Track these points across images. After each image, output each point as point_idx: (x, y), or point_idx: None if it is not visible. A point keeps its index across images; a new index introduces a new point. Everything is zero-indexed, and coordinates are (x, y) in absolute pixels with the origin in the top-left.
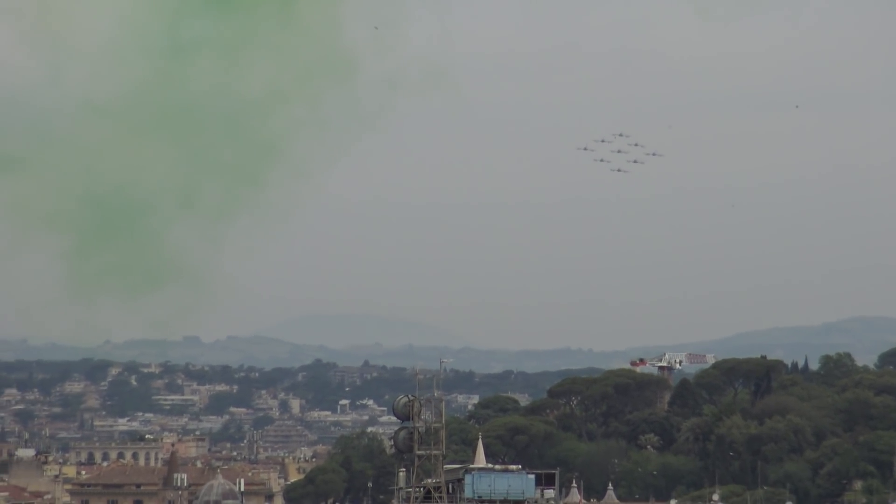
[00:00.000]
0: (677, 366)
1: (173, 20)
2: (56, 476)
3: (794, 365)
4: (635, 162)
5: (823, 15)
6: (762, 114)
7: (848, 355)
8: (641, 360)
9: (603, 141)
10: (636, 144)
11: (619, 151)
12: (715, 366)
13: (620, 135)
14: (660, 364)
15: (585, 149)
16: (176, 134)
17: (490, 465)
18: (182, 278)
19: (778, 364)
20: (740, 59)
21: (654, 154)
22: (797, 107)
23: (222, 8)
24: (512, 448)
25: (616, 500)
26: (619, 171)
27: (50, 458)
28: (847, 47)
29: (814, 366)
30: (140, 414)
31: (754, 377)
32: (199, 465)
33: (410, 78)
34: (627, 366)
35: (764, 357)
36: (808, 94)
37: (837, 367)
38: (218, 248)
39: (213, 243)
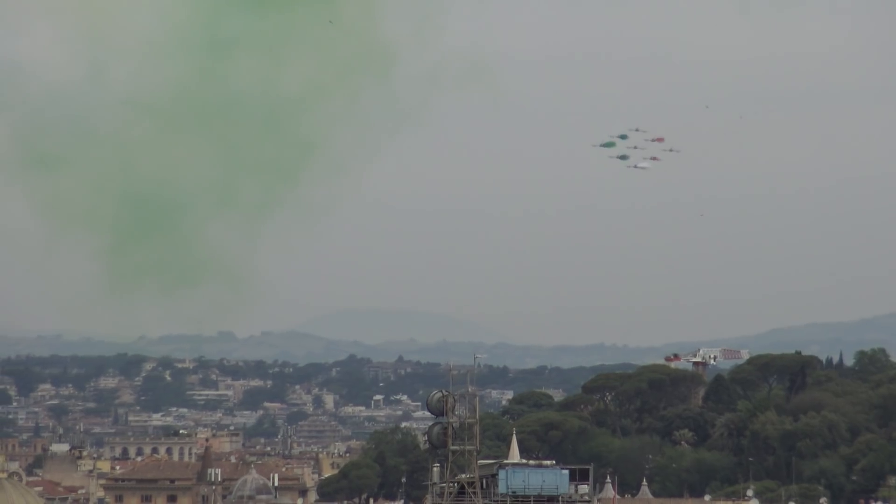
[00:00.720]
0: (712, 361)
1: (213, 17)
2: (90, 471)
3: (829, 361)
4: (653, 159)
5: (861, 13)
6: (805, 110)
7: (883, 351)
8: (676, 356)
9: (627, 136)
10: (655, 140)
11: (635, 147)
12: (749, 361)
13: (636, 129)
14: (694, 360)
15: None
16: (214, 131)
17: (524, 461)
18: (219, 276)
19: (813, 360)
20: (781, 57)
21: (671, 150)
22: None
23: (262, 4)
24: (546, 443)
25: (650, 496)
26: (641, 167)
27: (84, 453)
28: (887, 45)
29: (849, 362)
30: (174, 409)
31: (789, 373)
32: (232, 460)
33: (449, 73)
34: (662, 361)
35: (799, 353)
36: (844, 92)
37: (872, 363)
38: (255, 245)
39: (251, 241)
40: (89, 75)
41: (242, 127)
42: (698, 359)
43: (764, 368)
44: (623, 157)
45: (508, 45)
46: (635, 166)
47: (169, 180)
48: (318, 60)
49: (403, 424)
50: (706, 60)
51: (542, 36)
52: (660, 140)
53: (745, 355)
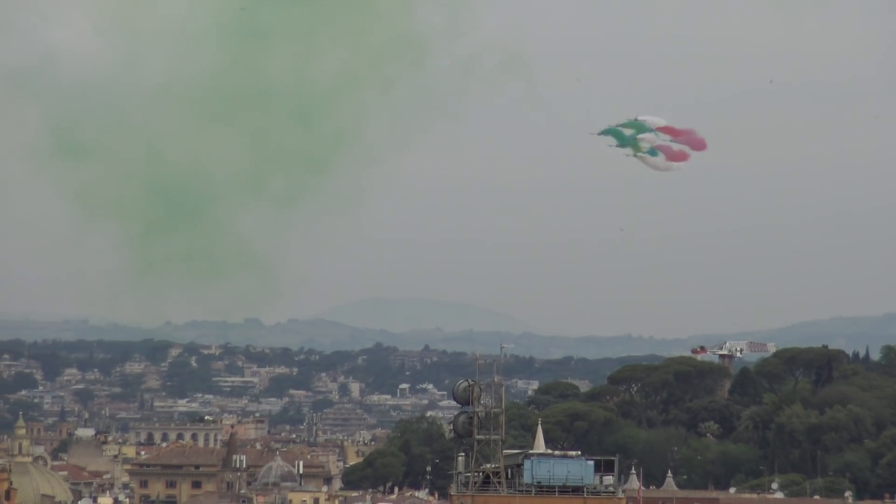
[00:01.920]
0: (738, 354)
1: (247, 5)
2: (115, 456)
3: (856, 355)
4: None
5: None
6: (830, 102)
7: None
8: (702, 348)
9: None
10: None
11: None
12: (776, 355)
13: (636, 119)
14: (720, 352)
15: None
16: (246, 121)
17: (549, 451)
18: (247, 267)
19: (839, 354)
20: (810, 50)
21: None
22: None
23: None
24: (571, 434)
25: (675, 488)
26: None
27: (109, 438)
28: None
29: (875, 356)
30: (200, 395)
31: (815, 367)
32: (258, 447)
33: (483, 64)
34: (688, 353)
35: (825, 346)
36: (873, 85)
37: None
38: (284, 235)
39: (280, 231)
40: (122, 65)
41: (274, 117)
42: (725, 351)
43: (790, 362)
44: (624, 145)
45: (543, 36)
46: (634, 155)
47: (199, 170)
48: (352, 50)
49: (429, 413)
50: (738, 54)
51: (576, 26)
52: (668, 130)
53: (772, 348)
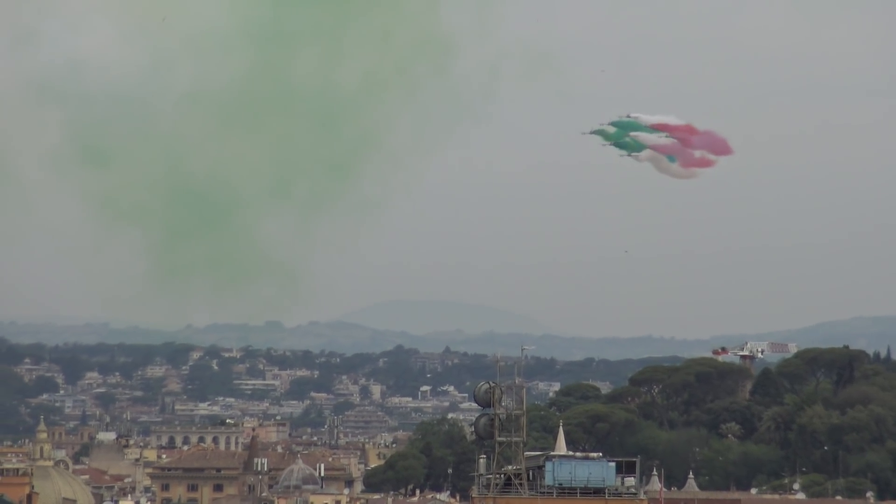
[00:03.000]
0: (759, 355)
1: (272, 10)
2: (137, 459)
3: (877, 355)
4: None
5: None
6: (850, 103)
7: None
8: (723, 349)
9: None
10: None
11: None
12: (797, 355)
13: (628, 116)
14: (742, 353)
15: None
16: (270, 125)
17: (571, 453)
18: (271, 274)
19: (860, 354)
20: (832, 49)
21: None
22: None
23: None
24: (593, 436)
25: (696, 489)
26: (634, 157)
27: (131, 442)
28: None
29: None
30: (221, 398)
31: (836, 367)
32: (279, 449)
33: (510, 64)
34: (709, 354)
35: (846, 347)
36: (887, 84)
37: None
38: (308, 240)
39: (304, 236)
40: (146, 72)
41: (298, 121)
42: (746, 352)
43: (811, 362)
44: (620, 146)
45: (571, 35)
46: (628, 154)
47: (223, 176)
48: (377, 52)
49: (450, 415)
50: (768, 56)
51: (603, 25)
52: (663, 127)
53: (793, 349)
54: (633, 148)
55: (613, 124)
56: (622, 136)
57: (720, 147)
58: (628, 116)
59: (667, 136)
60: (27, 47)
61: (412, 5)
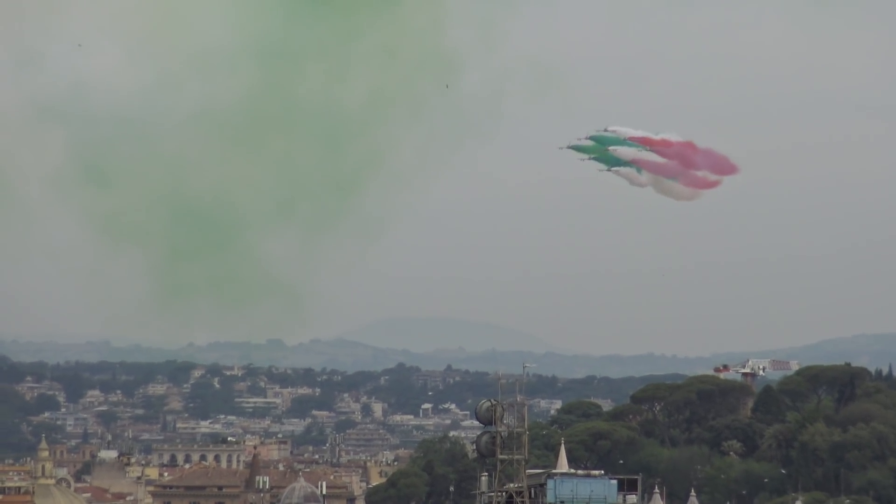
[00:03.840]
0: (761, 372)
1: (274, 28)
2: (138, 478)
3: (879, 372)
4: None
5: None
6: (850, 118)
7: None
8: (725, 367)
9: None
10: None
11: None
12: (798, 373)
13: (605, 130)
14: (743, 370)
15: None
16: (273, 145)
17: (572, 471)
18: (274, 295)
19: (862, 371)
20: (834, 66)
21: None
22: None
23: (325, 12)
24: (594, 453)
25: None
26: (614, 171)
27: (132, 460)
28: None
29: None
30: (222, 416)
31: (838, 384)
32: (281, 467)
33: (516, 80)
34: (711, 372)
35: (848, 364)
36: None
37: None
38: (312, 260)
39: (308, 256)
40: (149, 92)
41: (303, 140)
42: (747, 370)
43: (813, 380)
44: (600, 159)
45: (576, 50)
46: (608, 169)
47: (226, 196)
48: (381, 69)
49: (452, 433)
50: (772, 70)
51: (609, 40)
52: (644, 140)
53: (795, 366)
54: (614, 162)
55: (591, 139)
56: (601, 151)
57: (725, 166)
58: (606, 131)
59: (647, 150)
60: (30, 68)
61: (417, 22)
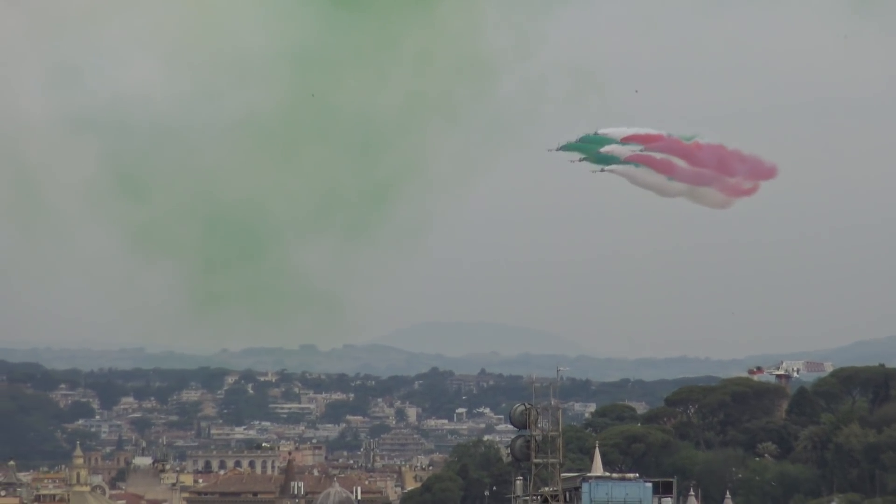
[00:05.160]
0: (795, 374)
1: (317, 34)
2: (173, 484)
3: None
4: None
5: None
6: (891, 125)
7: None
8: (759, 369)
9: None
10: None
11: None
12: (833, 374)
13: (596, 133)
14: (777, 372)
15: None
16: (309, 154)
17: (607, 474)
18: (311, 303)
19: None
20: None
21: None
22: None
23: (360, 19)
24: (629, 456)
25: None
26: (609, 170)
27: (167, 467)
28: None
29: None
30: (257, 422)
31: (872, 385)
32: (315, 473)
33: (554, 85)
34: (745, 374)
35: (882, 365)
36: None
37: None
38: (349, 269)
39: (344, 265)
40: (184, 102)
41: (339, 148)
42: (781, 371)
43: (847, 381)
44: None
45: (616, 55)
46: (602, 170)
47: (261, 205)
48: (418, 76)
49: (486, 437)
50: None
51: (644, 45)
52: (637, 138)
53: (829, 368)
54: (608, 161)
55: (581, 140)
56: (593, 151)
57: (762, 171)
58: (596, 133)
59: (642, 150)
60: (66, 81)
61: (454, 26)
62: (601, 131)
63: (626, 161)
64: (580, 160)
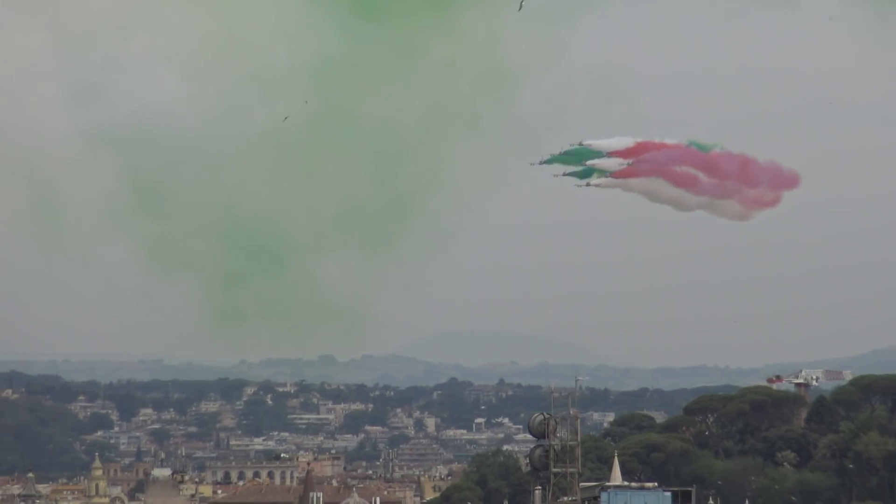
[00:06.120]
0: (814, 382)
1: (338, 46)
2: (192, 495)
3: None
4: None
5: None
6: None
7: None
8: (778, 377)
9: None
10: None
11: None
12: (852, 382)
13: (580, 144)
14: (796, 381)
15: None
16: (332, 165)
17: (626, 483)
18: (332, 316)
19: None
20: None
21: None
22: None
23: (383, 28)
24: (648, 466)
25: None
26: (595, 185)
27: (186, 478)
28: None
29: None
30: (275, 433)
31: (892, 393)
32: (334, 483)
33: (576, 93)
34: (764, 383)
35: None
36: None
37: None
38: (370, 283)
39: (366, 278)
40: (205, 117)
41: (360, 160)
42: (800, 380)
43: (866, 389)
44: (579, 174)
45: (636, 63)
46: (587, 184)
47: (280, 219)
48: (441, 86)
49: (505, 447)
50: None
51: (668, 52)
52: (622, 153)
53: (848, 376)
54: (592, 174)
55: (566, 153)
56: (578, 164)
57: (784, 181)
58: (580, 144)
59: (629, 164)
60: (89, 96)
61: (476, 36)
62: (587, 142)
63: (614, 177)
64: (564, 175)
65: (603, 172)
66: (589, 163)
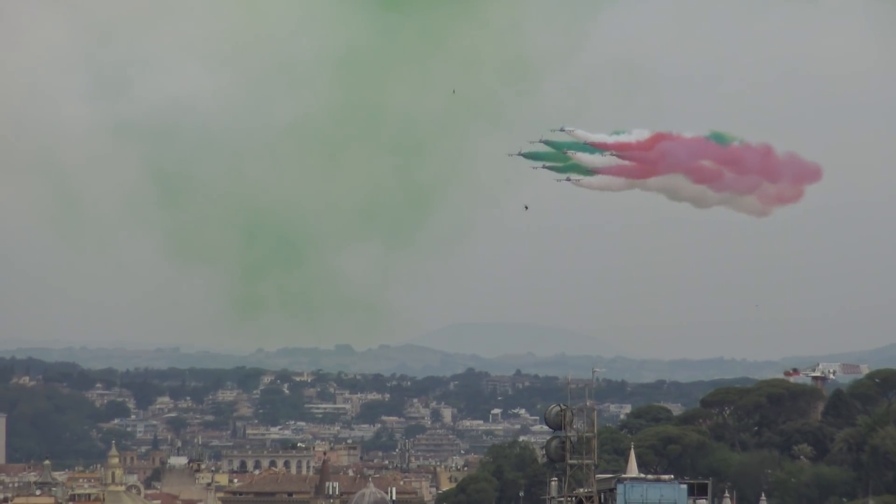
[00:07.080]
0: (831, 376)
1: (358, 38)
2: (208, 484)
3: None
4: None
5: None
6: None
7: None
8: (795, 371)
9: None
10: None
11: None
12: (869, 376)
13: (562, 129)
14: (813, 374)
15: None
16: (353, 156)
17: (642, 475)
18: (352, 309)
19: None
20: None
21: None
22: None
23: (406, 18)
24: (664, 458)
25: None
26: (574, 180)
27: (202, 466)
28: None
29: None
30: (292, 422)
31: None
32: (350, 473)
33: (599, 84)
34: (781, 376)
35: None
36: None
37: None
38: (390, 275)
39: (386, 270)
40: (231, 106)
41: (381, 152)
42: (817, 373)
43: (884, 383)
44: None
45: (661, 53)
46: (567, 179)
47: (301, 211)
48: (462, 77)
49: (521, 438)
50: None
51: (691, 43)
52: (603, 145)
53: (865, 370)
54: (578, 171)
55: (547, 143)
56: (559, 157)
57: (806, 175)
58: (562, 130)
59: (612, 155)
60: (111, 88)
61: (499, 25)
62: (567, 129)
63: (594, 172)
64: (542, 167)
65: (584, 168)
66: (575, 155)
